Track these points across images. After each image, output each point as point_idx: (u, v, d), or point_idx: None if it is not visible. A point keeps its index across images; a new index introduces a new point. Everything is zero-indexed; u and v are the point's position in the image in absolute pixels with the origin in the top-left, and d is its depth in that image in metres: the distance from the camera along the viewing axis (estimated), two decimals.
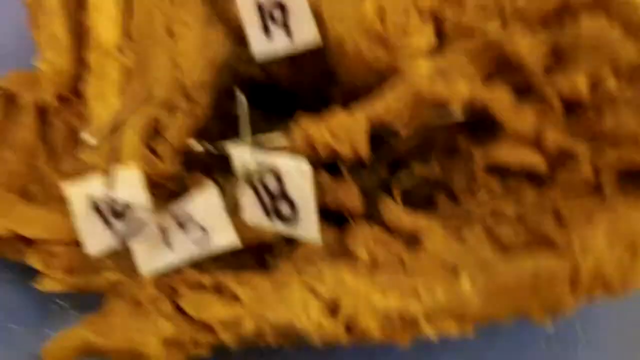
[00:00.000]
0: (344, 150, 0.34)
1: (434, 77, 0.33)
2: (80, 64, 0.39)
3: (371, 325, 0.32)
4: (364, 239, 0.34)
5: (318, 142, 0.34)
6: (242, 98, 0.38)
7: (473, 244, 0.34)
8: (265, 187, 0.34)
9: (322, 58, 0.39)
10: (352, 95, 0.40)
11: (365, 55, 0.36)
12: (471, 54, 0.33)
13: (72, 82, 0.40)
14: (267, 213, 0.34)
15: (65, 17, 0.39)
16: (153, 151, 0.39)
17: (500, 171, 0.36)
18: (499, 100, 0.33)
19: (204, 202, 0.36)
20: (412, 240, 0.35)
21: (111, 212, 0.36)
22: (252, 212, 0.35)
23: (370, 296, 0.32)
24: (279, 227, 0.34)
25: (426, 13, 0.33)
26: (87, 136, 0.35)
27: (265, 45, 0.38)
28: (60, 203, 0.35)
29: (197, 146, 0.37)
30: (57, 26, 0.39)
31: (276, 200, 0.34)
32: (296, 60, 0.39)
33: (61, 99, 0.40)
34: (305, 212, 0.33)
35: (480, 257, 0.33)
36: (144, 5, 0.38)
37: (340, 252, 0.35)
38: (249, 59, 0.40)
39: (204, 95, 0.39)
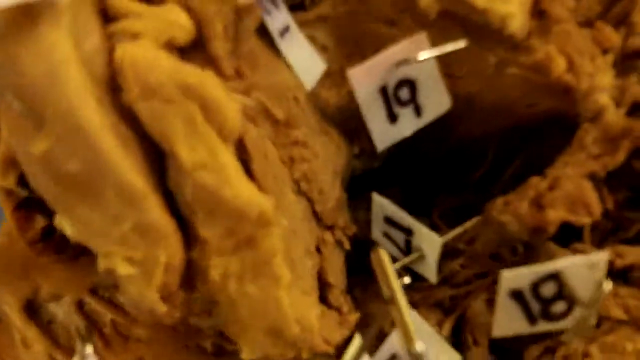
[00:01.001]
0: (583, 219, 0.30)
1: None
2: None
3: None
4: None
5: (550, 220, 0.30)
6: (382, 201, 0.32)
7: None
8: (537, 294, 0.29)
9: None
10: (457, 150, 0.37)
11: (516, 108, 0.32)
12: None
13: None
14: (532, 320, 0.30)
15: (157, 197, 0.27)
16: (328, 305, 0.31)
17: None
18: None
19: None
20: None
21: None
22: (510, 325, 0.30)
23: None
24: (540, 327, 0.30)
25: (610, 50, 0.30)
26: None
27: (389, 133, 0.31)
28: None
29: (406, 280, 0.30)
30: (152, 209, 0.27)
31: (548, 303, 0.29)
32: None
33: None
34: (588, 303, 0.29)
35: None
36: (255, 145, 0.28)
37: None
38: (360, 153, 0.33)
39: (343, 215, 0.32)
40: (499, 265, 0.34)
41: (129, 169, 0.26)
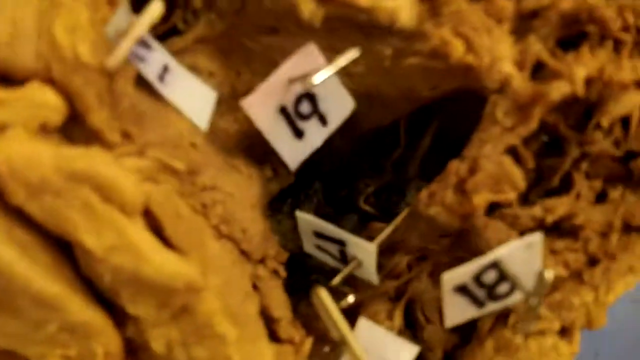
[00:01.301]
0: (509, 195, 0.30)
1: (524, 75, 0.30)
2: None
3: None
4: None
5: (477, 205, 0.30)
6: (307, 217, 0.31)
7: None
8: (480, 283, 0.29)
9: None
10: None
11: (419, 93, 0.31)
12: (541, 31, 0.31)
13: None
14: (480, 304, 0.30)
15: (77, 292, 0.25)
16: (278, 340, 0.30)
17: None
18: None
19: None
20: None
21: None
22: (459, 314, 0.30)
23: None
24: (489, 308, 0.30)
25: (504, 19, 0.29)
26: None
27: (299, 150, 0.30)
28: None
29: (350, 299, 0.30)
30: (73, 307, 0.25)
31: (492, 287, 0.29)
32: None
33: None
34: (527, 279, 0.29)
35: None
36: (163, 207, 0.26)
37: None
38: (273, 175, 0.32)
39: (272, 243, 0.31)
40: (436, 246, 0.33)
41: (38, 277, 0.24)
